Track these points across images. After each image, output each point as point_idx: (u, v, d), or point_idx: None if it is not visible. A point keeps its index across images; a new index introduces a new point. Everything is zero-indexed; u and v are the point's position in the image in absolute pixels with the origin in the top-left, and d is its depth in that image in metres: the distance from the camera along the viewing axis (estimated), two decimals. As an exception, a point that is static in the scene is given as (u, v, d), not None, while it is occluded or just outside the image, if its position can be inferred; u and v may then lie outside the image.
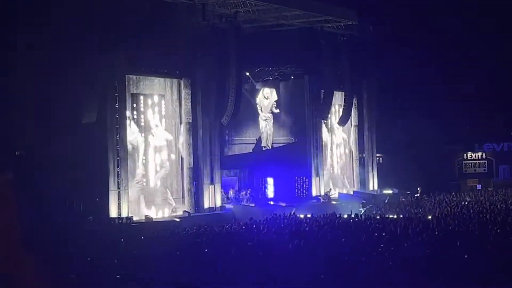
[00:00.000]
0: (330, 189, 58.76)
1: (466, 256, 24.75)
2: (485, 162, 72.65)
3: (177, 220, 44.12)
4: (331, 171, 60.94)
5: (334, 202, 55.15)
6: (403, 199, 55.44)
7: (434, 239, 29.10)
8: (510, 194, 55.67)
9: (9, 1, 39.87)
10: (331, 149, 61.30)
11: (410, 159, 63.70)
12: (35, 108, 40.94)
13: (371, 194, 58.57)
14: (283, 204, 51.48)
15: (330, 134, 61.14)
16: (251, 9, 49.29)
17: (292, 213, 43.94)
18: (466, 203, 48.61)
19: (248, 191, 54.00)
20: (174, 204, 46.34)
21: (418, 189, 58.56)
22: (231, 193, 53.50)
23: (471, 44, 68.72)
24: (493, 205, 45.34)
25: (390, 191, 59.54)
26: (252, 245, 28.84)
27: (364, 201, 50.69)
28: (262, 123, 59.51)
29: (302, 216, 42.69)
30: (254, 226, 36.66)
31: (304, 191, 57.54)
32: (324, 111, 57.96)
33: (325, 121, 59.53)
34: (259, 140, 59.49)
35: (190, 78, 47.77)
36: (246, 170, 57.81)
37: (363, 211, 46.99)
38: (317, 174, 57.96)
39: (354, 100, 61.50)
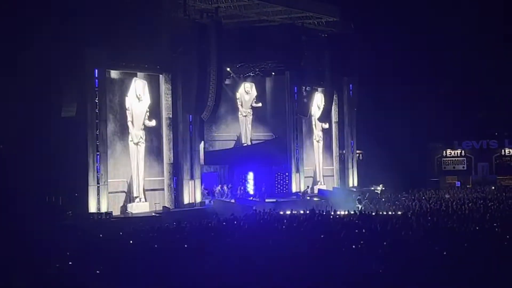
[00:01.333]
0: (308, 187, 58.72)
1: (444, 253, 24.87)
2: (464, 160, 73.12)
3: (157, 215, 44.01)
4: (312, 167, 60.93)
5: (315, 199, 55.12)
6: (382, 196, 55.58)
7: (413, 236, 29.22)
8: (488, 191, 56.01)
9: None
10: (312, 145, 61.29)
11: (390, 156, 63.90)
12: (13, 102, 40.71)
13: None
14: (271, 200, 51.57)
15: (310, 130, 61.13)
16: (232, 5, 49.28)
17: (272, 209, 43.96)
18: (445, 200, 48.87)
19: (229, 186, 54.04)
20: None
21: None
22: (218, 189, 53.45)
23: (451, 44, 69.06)
24: (472, 202, 45.59)
25: (380, 187, 59.63)
26: (232, 241, 28.85)
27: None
28: (241, 119, 59.48)
29: (282, 212, 42.74)
30: (235, 222, 36.66)
31: (285, 187, 57.56)
32: (304, 108, 58.01)
33: (306, 117, 59.53)
34: (239, 136, 59.46)
35: (171, 73, 47.64)
36: (226, 166, 57.77)
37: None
38: (297, 170, 58.01)
39: (334, 97, 61.60)
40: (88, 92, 42.58)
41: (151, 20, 45.03)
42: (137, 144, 45.85)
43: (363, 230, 31.28)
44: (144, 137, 46.29)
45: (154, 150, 47.11)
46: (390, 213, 42.39)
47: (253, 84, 59.71)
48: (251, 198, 53.25)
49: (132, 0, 44.09)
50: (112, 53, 43.44)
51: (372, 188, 59.57)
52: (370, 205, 48.48)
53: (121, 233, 32.83)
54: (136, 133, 45.89)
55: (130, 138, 45.58)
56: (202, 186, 50.04)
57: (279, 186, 57.87)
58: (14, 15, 39.71)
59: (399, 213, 41.66)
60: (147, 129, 46.61)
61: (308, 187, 58.71)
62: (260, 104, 59.59)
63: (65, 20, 39.72)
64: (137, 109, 46.15)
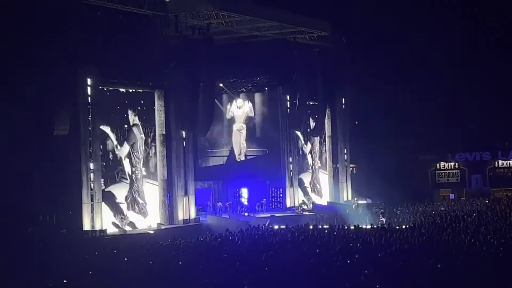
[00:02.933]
0: (303, 201, 58.69)
1: (439, 266, 24.88)
2: (457, 172, 73.15)
3: (151, 232, 43.92)
4: (305, 182, 60.88)
5: (307, 213, 55.04)
6: (377, 209, 55.47)
7: (408, 249, 29.23)
8: (482, 204, 56.04)
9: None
10: (305, 160, 61.28)
11: (384, 169, 63.91)
12: (6, 120, 40.61)
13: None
14: (264, 216, 51.47)
15: (304, 144, 61.14)
16: (224, 21, 49.31)
17: (266, 224, 43.93)
18: (440, 212, 48.85)
19: (229, 203, 54.12)
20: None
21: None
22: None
23: (443, 57, 69.25)
24: (466, 214, 45.60)
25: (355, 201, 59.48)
26: (227, 257, 28.79)
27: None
28: (235, 134, 59.48)
29: (276, 227, 42.72)
30: (230, 238, 36.60)
31: (279, 202, 57.50)
32: (297, 122, 58.03)
33: (299, 132, 59.55)
34: (232, 151, 59.43)
35: (163, 90, 47.68)
36: (220, 181, 57.73)
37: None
38: (291, 185, 57.98)
39: (327, 111, 61.67)
40: (81, 110, 42.54)
41: (143, 36, 45.08)
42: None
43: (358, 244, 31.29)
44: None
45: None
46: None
47: (245, 100, 59.70)
48: (246, 213, 53.15)
49: (124, 17, 44.10)
50: (104, 70, 43.43)
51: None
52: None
53: (115, 251, 32.74)
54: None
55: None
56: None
57: (273, 201, 57.78)
58: (7, 34, 39.68)
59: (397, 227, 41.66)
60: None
61: (303, 201, 58.63)
62: (252, 114, 59.44)
63: (57, 38, 39.67)
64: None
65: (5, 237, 35.79)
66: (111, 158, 44.79)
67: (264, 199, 55.74)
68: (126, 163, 45.55)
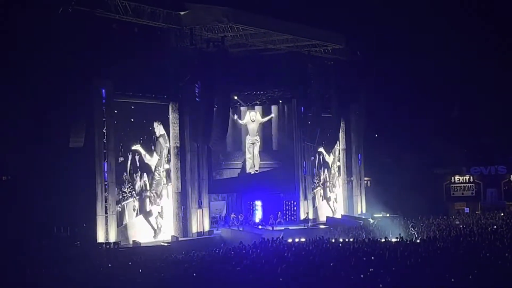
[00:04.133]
0: (307, 213, 58.33)
1: (452, 280, 24.74)
2: (472, 186, 72.77)
3: (165, 244, 43.93)
4: (319, 195, 60.77)
5: (322, 226, 54.88)
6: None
7: (422, 263, 29.08)
8: (498, 217, 55.67)
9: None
10: (319, 173, 61.19)
11: (398, 183, 63.71)
12: (22, 133, 40.85)
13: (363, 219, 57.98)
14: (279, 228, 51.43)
15: (318, 157, 61.04)
16: (238, 34, 49.44)
17: (280, 237, 43.80)
18: (455, 226, 48.57)
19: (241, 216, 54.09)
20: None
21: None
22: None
23: (459, 69, 69.13)
24: (481, 228, 45.32)
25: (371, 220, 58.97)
26: (241, 270, 28.75)
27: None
28: (249, 147, 59.53)
29: (290, 240, 42.60)
30: (243, 251, 36.52)
31: (293, 214, 57.40)
32: (311, 135, 57.97)
33: (313, 145, 59.48)
34: (246, 164, 59.43)
35: (178, 102, 47.80)
36: (234, 194, 57.71)
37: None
38: (305, 198, 57.88)
39: (341, 124, 61.62)
40: (96, 122, 42.70)
41: (158, 49, 45.27)
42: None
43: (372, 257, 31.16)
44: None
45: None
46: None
47: (258, 112, 59.76)
48: (260, 226, 53.09)
49: (139, 30, 44.31)
50: (119, 83, 43.62)
51: (370, 219, 59.05)
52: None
53: (130, 263, 32.76)
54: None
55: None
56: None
57: (287, 213, 57.69)
58: (22, 45, 39.94)
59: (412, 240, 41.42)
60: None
61: (307, 213, 58.26)
62: (269, 117, 59.58)
63: (72, 50, 39.88)
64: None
65: (19, 249, 35.91)
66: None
67: (279, 213, 55.60)
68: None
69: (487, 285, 23.77)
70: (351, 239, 41.40)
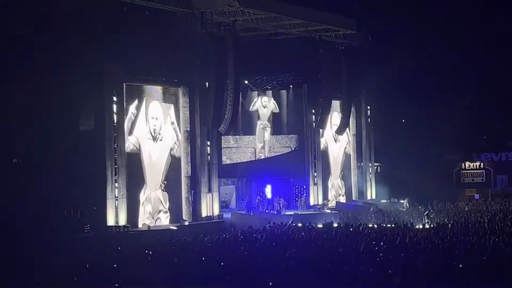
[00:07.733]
0: (328, 200, 58.42)
1: (461, 266, 24.71)
2: (483, 172, 72.55)
3: (175, 228, 44.03)
4: (330, 180, 60.70)
5: (330, 211, 54.78)
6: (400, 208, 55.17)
7: (431, 248, 29.06)
8: (508, 204, 55.53)
9: (9, 18, 39.68)
10: (329, 158, 61.09)
11: (408, 168, 63.52)
12: (33, 116, 40.91)
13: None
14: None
15: (328, 142, 60.93)
16: (249, 18, 49.31)
17: (290, 222, 43.84)
18: (465, 212, 48.48)
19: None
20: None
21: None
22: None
23: (469, 57, 68.82)
24: (491, 215, 45.22)
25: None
26: (249, 254, 28.80)
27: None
28: (259, 131, 59.53)
29: (300, 224, 42.64)
30: (254, 234, 36.58)
31: (303, 200, 57.40)
32: (322, 120, 57.87)
33: (323, 130, 59.37)
34: (256, 148, 59.45)
35: (188, 86, 47.76)
36: (244, 179, 57.73)
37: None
38: (315, 183, 57.85)
39: (352, 109, 61.45)
40: (106, 106, 42.74)
41: (169, 33, 45.17)
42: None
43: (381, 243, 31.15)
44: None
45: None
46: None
47: (271, 98, 59.79)
48: (267, 210, 53.11)
49: (149, 13, 44.23)
50: (129, 66, 43.62)
51: (396, 202, 58.99)
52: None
53: (138, 247, 32.83)
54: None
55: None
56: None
57: (297, 199, 57.70)
58: (33, 30, 39.92)
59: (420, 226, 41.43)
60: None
61: (328, 200, 58.35)
62: (278, 110, 59.59)
63: (83, 34, 39.89)
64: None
65: (30, 232, 36.05)
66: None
67: (282, 199, 55.21)
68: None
69: (496, 272, 23.75)
70: (362, 224, 41.38)
